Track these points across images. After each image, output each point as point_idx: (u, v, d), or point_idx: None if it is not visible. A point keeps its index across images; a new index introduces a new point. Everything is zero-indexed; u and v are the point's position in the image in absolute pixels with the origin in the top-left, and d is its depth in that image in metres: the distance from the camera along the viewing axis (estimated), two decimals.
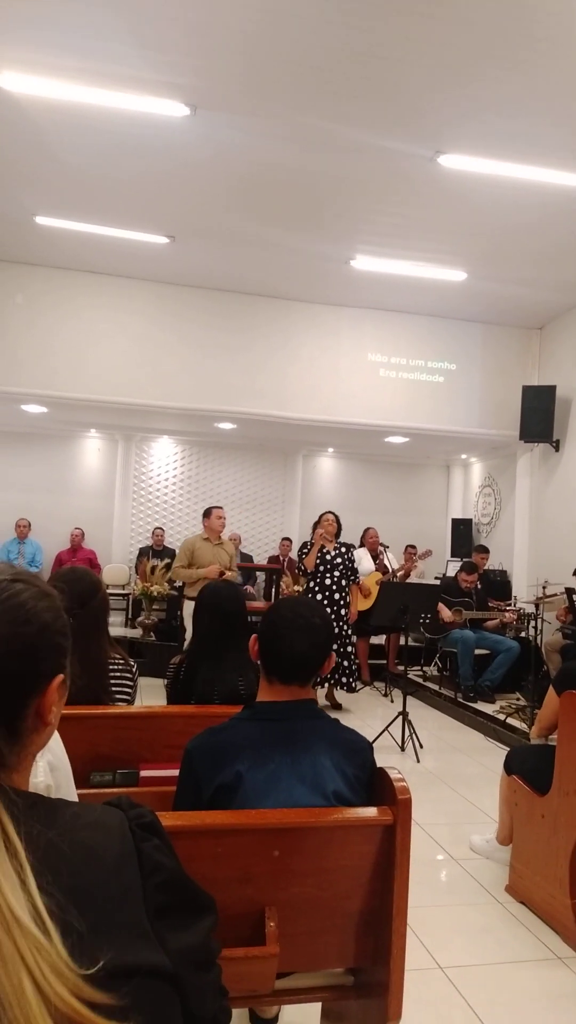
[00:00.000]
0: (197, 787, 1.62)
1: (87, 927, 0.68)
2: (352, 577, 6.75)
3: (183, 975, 0.77)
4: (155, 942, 0.74)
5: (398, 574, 7.76)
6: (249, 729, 1.67)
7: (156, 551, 9.52)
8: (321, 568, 6.48)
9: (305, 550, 6.59)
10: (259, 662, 1.76)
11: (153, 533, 10.01)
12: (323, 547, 6.54)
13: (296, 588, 8.48)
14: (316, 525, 6.73)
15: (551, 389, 8.01)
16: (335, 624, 6.39)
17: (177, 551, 6.62)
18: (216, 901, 0.90)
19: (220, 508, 6.57)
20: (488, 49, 4.11)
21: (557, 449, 8.13)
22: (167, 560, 8.80)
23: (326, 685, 6.51)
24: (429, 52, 4.16)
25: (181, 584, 6.81)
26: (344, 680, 6.41)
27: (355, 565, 6.83)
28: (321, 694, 6.74)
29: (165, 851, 0.82)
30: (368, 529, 8.22)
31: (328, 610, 6.37)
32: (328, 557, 6.49)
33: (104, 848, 0.76)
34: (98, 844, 0.76)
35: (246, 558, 10.18)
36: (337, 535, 6.69)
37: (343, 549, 6.62)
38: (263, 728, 1.66)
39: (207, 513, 6.51)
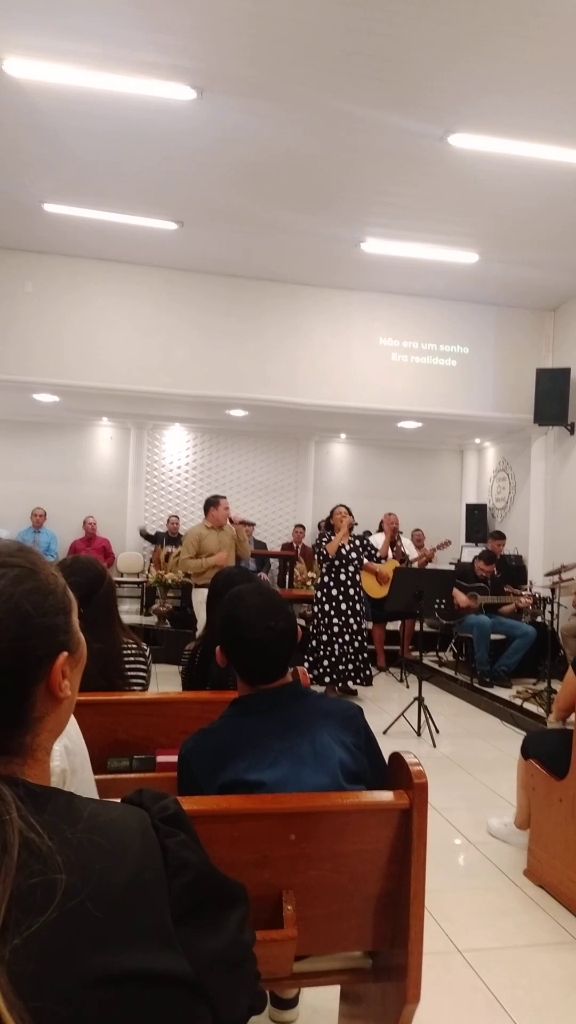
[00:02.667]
0: (197, 791, 1.60)
1: (102, 928, 0.65)
2: (371, 552, 6.72)
3: (212, 980, 0.74)
4: (177, 948, 0.70)
5: (414, 564, 7.74)
6: (243, 724, 1.66)
7: (171, 538, 9.54)
8: (336, 563, 6.47)
9: (325, 537, 6.58)
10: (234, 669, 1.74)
11: (168, 521, 10.04)
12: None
13: (311, 575, 8.48)
14: (329, 519, 6.73)
15: (565, 371, 7.92)
16: (349, 620, 6.39)
17: (183, 542, 6.64)
18: None
19: (224, 499, 6.55)
20: (498, 25, 4.04)
21: (572, 432, 8.06)
22: (181, 548, 8.83)
23: (339, 684, 6.48)
24: (438, 30, 4.08)
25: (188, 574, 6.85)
26: (361, 674, 6.43)
27: (372, 551, 6.81)
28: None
29: (191, 845, 0.78)
30: (389, 514, 8.18)
31: (343, 605, 6.39)
32: (343, 552, 6.49)
33: (123, 848, 0.72)
34: (116, 843, 0.72)
35: (260, 545, 10.18)
36: (350, 529, 6.67)
37: (356, 542, 6.62)
38: (256, 720, 1.65)
39: (214, 503, 6.46)
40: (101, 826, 0.72)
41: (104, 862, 0.69)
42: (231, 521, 6.50)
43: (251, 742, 1.61)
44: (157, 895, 0.71)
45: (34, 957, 0.62)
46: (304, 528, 10.36)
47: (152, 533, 10.02)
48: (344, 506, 6.71)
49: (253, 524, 7.69)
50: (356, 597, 6.52)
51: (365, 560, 6.75)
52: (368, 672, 6.51)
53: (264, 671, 1.69)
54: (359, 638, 6.46)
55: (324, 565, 6.57)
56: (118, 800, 0.83)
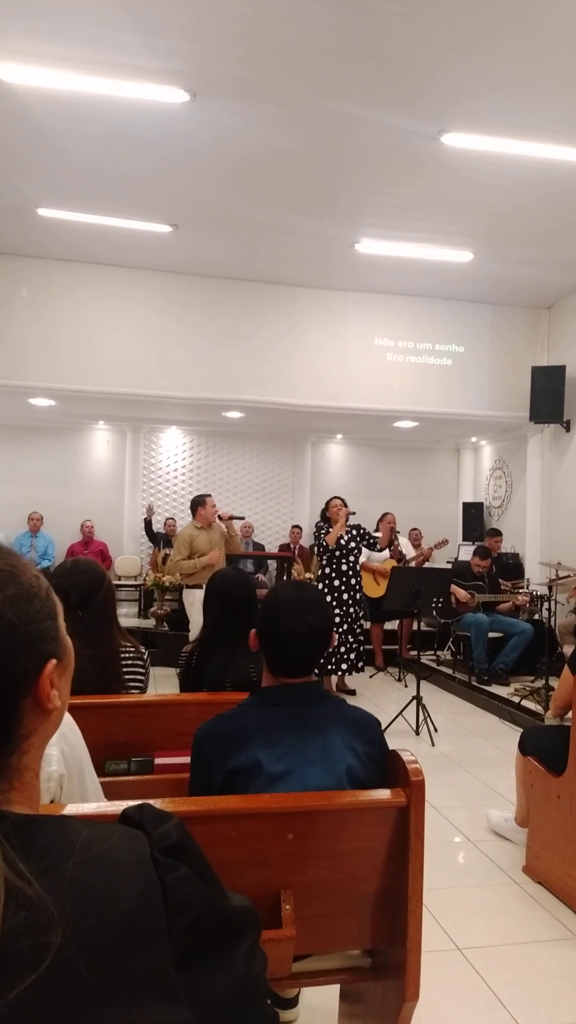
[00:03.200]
0: (209, 774, 1.64)
1: (96, 981, 0.60)
2: (371, 540, 6.73)
3: (220, 1022, 0.69)
4: (179, 996, 0.64)
5: (413, 563, 7.75)
6: (258, 714, 1.69)
7: (169, 540, 9.55)
8: (337, 554, 6.49)
9: (323, 530, 6.60)
10: (263, 655, 1.77)
11: (165, 523, 10.04)
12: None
13: (308, 575, 8.48)
14: (325, 511, 6.77)
15: (561, 369, 7.94)
16: (350, 610, 6.41)
17: (174, 545, 6.64)
18: (232, 885, 0.80)
19: (210, 497, 6.56)
20: (490, 24, 4.05)
21: (568, 430, 8.07)
22: None
23: (337, 674, 6.51)
24: (430, 29, 4.09)
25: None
26: (356, 665, 6.44)
27: (371, 539, 6.80)
28: (332, 682, 6.76)
29: (194, 881, 0.71)
30: (386, 514, 8.20)
31: (346, 595, 6.42)
32: (342, 542, 6.51)
33: (118, 887, 0.65)
34: (111, 882, 0.65)
35: (258, 547, 10.19)
36: (346, 518, 6.69)
37: (354, 532, 6.64)
38: (272, 712, 1.68)
39: (201, 503, 6.45)
40: (95, 860, 0.66)
41: (99, 906, 0.63)
42: (220, 518, 6.51)
43: (264, 733, 1.64)
44: (156, 940, 0.65)
45: (24, 1020, 0.57)
46: (301, 529, 10.37)
47: (155, 530, 10.00)
48: (339, 498, 6.74)
49: (242, 518, 7.70)
50: (357, 587, 6.57)
51: (364, 550, 6.77)
52: (361, 662, 6.53)
53: (290, 663, 1.72)
54: (357, 628, 6.48)
55: (324, 557, 6.60)
56: (117, 812, 0.77)
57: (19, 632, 0.72)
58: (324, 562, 6.61)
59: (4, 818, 0.66)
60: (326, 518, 6.77)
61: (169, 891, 0.68)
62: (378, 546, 6.96)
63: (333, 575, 6.50)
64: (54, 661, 0.75)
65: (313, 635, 1.70)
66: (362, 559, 7.19)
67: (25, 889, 0.60)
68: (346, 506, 6.65)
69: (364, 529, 6.76)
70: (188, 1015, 0.64)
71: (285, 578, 8.38)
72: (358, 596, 6.59)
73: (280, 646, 1.71)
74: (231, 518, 6.65)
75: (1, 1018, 0.56)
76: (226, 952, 0.73)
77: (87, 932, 0.61)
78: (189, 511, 9.10)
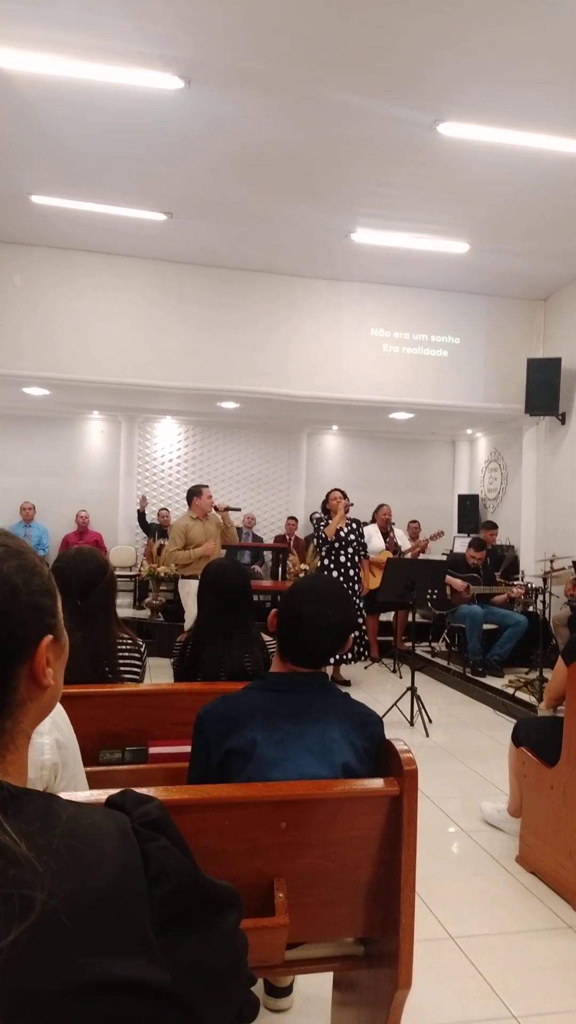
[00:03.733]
0: (207, 751, 1.66)
1: (78, 935, 0.63)
2: (362, 552, 6.80)
3: (196, 990, 0.71)
4: (157, 957, 0.68)
5: (408, 554, 7.76)
6: (261, 698, 1.70)
7: (163, 531, 9.53)
8: (336, 545, 6.51)
9: (323, 522, 6.63)
10: (276, 638, 1.79)
11: (159, 514, 10.02)
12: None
13: (304, 566, 8.48)
14: (325, 503, 6.79)
15: (556, 361, 7.93)
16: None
17: (169, 535, 6.63)
18: (225, 873, 0.84)
19: (207, 487, 6.56)
20: (487, 13, 4.01)
21: (563, 422, 8.07)
22: None
23: (332, 663, 6.54)
24: (427, 18, 4.06)
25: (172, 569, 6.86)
26: (355, 653, 6.46)
27: (364, 541, 6.87)
28: (327, 672, 6.78)
29: (173, 851, 0.74)
30: (382, 506, 8.21)
31: (345, 585, 6.43)
32: (342, 534, 6.54)
33: (100, 854, 0.69)
34: (95, 850, 0.69)
35: (255, 538, 10.19)
36: (346, 511, 6.73)
37: (354, 525, 6.66)
38: (274, 698, 1.70)
39: (197, 493, 6.45)
40: (79, 831, 0.69)
41: (82, 869, 0.66)
42: (215, 509, 6.50)
43: (264, 716, 1.65)
44: (136, 903, 0.68)
45: (9, 969, 0.60)
46: (296, 520, 10.36)
47: (148, 521, 9.98)
48: (339, 490, 6.77)
49: (238, 509, 7.67)
50: (356, 578, 6.59)
51: (362, 555, 6.81)
52: (361, 651, 6.54)
53: (300, 651, 1.73)
54: (358, 619, 6.50)
55: (323, 548, 6.61)
56: (103, 798, 0.81)
57: (22, 598, 0.75)
58: (323, 553, 6.62)
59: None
60: (326, 510, 6.78)
61: (149, 860, 0.71)
62: (366, 551, 7.00)
63: (331, 566, 6.52)
64: (51, 637, 0.78)
65: (329, 629, 1.71)
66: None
67: (13, 848, 0.64)
68: (346, 498, 6.67)
69: (361, 528, 6.78)
70: (163, 975, 0.67)
71: (280, 569, 8.39)
72: (356, 588, 6.61)
73: (294, 632, 1.72)
74: (227, 509, 6.64)
75: None
76: (205, 924, 0.76)
77: (71, 892, 0.64)
78: (184, 502, 9.09)
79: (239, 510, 7.30)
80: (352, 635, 1.86)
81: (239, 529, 8.69)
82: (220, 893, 0.80)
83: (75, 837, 0.68)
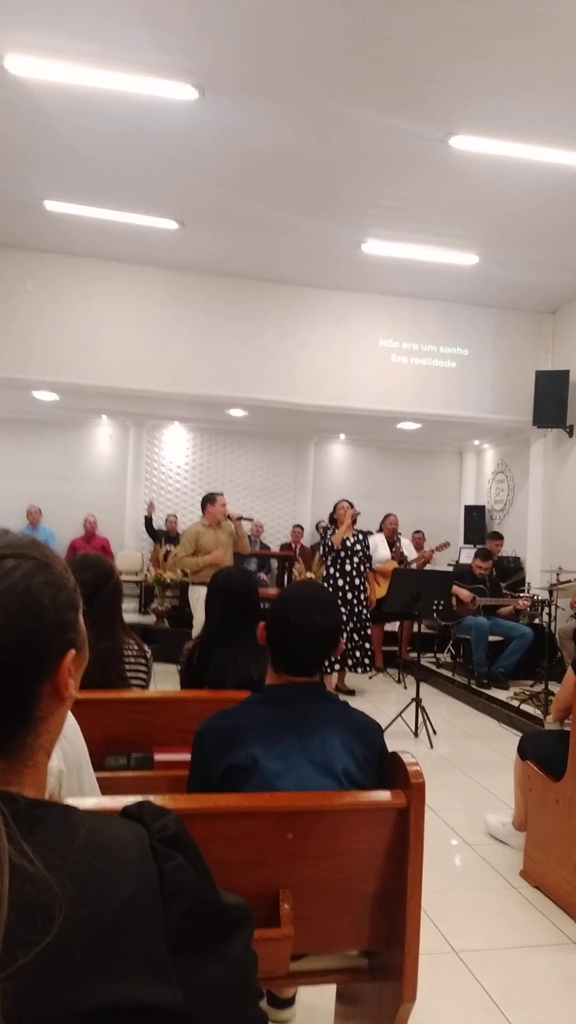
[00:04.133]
0: (207, 768, 1.65)
1: (91, 959, 0.62)
2: (367, 564, 6.80)
3: (208, 1012, 0.70)
4: (171, 979, 0.67)
5: (412, 565, 7.75)
6: (259, 711, 1.69)
7: (170, 537, 9.54)
8: (342, 554, 6.52)
9: (330, 531, 6.63)
10: (268, 648, 1.78)
11: (167, 520, 10.03)
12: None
13: (309, 574, 8.48)
14: (333, 514, 6.79)
15: (564, 374, 7.93)
16: (355, 609, 6.42)
17: (180, 540, 6.62)
18: (231, 884, 0.83)
19: (222, 495, 6.53)
20: (498, 28, 4.04)
21: (571, 434, 8.06)
22: None
23: (336, 671, 6.53)
24: (439, 32, 4.09)
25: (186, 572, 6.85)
26: (361, 663, 6.44)
27: (370, 552, 6.89)
28: (331, 681, 6.77)
29: (189, 871, 0.73)
30: (388, 515, 8.21)
31: (350, 595, 6.44)
32: (348, 543, 6.54)
33: (119, 871, 0.68)
34: (112, 866, 0.68)
35: (263, 547, 10.19)
36: (353, 521, 6.72)
37: (360, 536, 6.67)
38: (273, 711, 1.69)
39: (211, 500, 6.43)
40: (97, 846, 0.68)
41: (98, 888, 0.66)
42: (228, 517, 6.49)
43: (263, 730, 1.64)
44: (152, 923, 0.67)
45: (22, 992, 0.59)
46: (303, 528, 10.37)
47: (155, 527, 9.99)
48: (347, 501, 6.77)
49: (251, 519, 7.64)
50: (361, 588, 6.58)
51: (367, 566, 6.81)
52: (367, 662, 6.53)
53: (293, 660, 1.72)
54: (361, 627, 6.48)
55: (329, 557, 6.61)
56: (110, 805, 0.80)
57: (48, 616, 0.75)
58: (328, 562, 6.63)
59: (13, 800, 0.68)
60: (334, 520, 6.78)
61: (166, 879, 0.70)
62: (372, 563, 7.00)
63: (337, 575, 6.52)
64: (74, 651, 0.78)
65: (320, 634, 1.70)
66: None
67: (28, 868, 0.63)
68: (353, 508, 6.67)
69: (367, 540, 6.79)
70: (178, 997, 0.67)
71: (286, 577, 8.38)
72: (363, 596, 6.60)
73: (285, 642, 1.71)
74: (240, 518, 6.62)
75: (3, 989, 0.58)
76: (219, 944, 0.75)
77: (87, 912, 0.63)
78: (191, 508, 9.04)
79: (251, 520, 7.28)
80: (342, 636, 1.86)
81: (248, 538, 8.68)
82: (233, 914, 0.79)
83: (93, 853, 0.67)
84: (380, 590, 7.50)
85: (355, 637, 6.40)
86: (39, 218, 6.76)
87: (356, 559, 6.57)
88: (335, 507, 6.81)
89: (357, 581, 6.55)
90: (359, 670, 6.52)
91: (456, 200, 6.06)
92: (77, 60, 4.50)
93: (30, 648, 0.73)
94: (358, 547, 6.60)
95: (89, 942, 0.63)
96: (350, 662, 6.38)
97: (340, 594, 6.47)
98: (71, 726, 1.65)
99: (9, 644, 0.71)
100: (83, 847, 0.67)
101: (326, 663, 6.25)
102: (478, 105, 4.74)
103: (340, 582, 6.49)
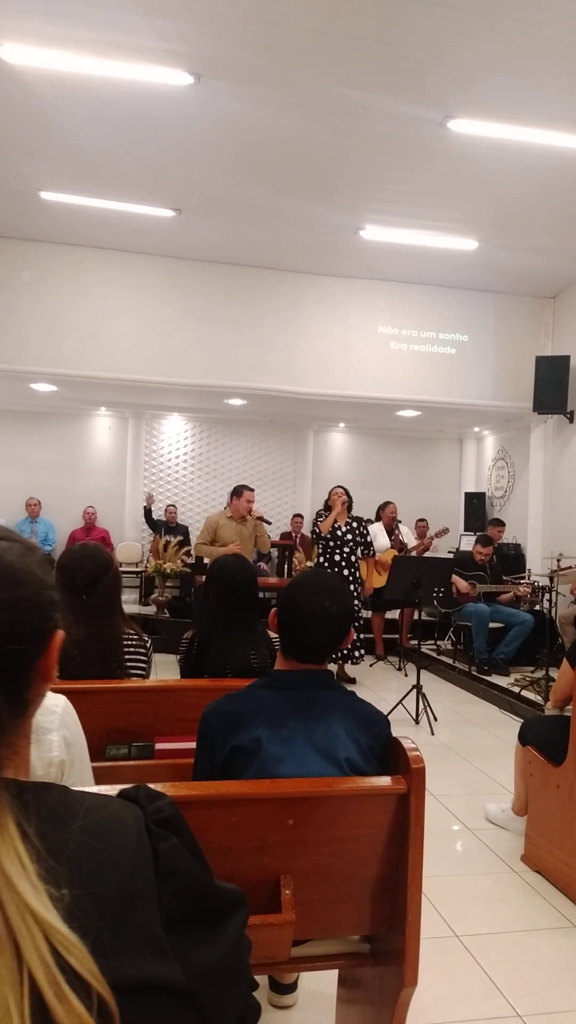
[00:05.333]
0: (212, 750, 1.66)
1: (94, 934, 0.63)
2: (367, 551, 6.77)
3: (203, 992, 0.71)
4: (170, 956, 0.68)
5: (412, 553, 7.74)
6: (266, 696, 1.70)
7: (170, 527, 9.54)
8: (331, 544, 6.50)
9: (321, 517, 6.62)
10: (278, 635, 1.78)
11: (166, 510, 10.03)
12: (335, 521, 6.56)
13: (309, 563, 8.48)
14: (326, 501, 6.79)
15: (565, 359, 7.90)
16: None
17: (201, 528, 6.57)
18: (232, 870, 0.84)
19: (252, 491, 6.38)
20: (498, 9, 4.00)
21: (571, 420, 8.04)
22: (180, 537, 8.84)
23: (336, 662, 6.55)
24: (437, 14, 4.04)
25: (194, 561, 6.83)
26: (351, 655, 6.45)
27: (369, 539, 6.86)
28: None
29: (183, 852, 0.74)
30: (388, 503, 8.20)
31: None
32: (339, 533, 6.51)
33: (118, 851, 0.69)
34: (111, 846, 0.69)
35: None
36: (349, 508, 6.69)
37: (354, 524, 6.63)
38: (280, 695, 1.70)
39: (238, 493, 6.33)
40: (97, 825, 0.69)
41: (98, 867, 0.66)
42: (250, 513, 6.33)
43: (268, 714, 1.65)
44: (148, 902, 0.69)
45: None
46: (302, 517, 10.36)
47: (155, 517, 9.98)
48: (341, 487, 6.74)
49: (270, 522, 7.55)
50: (350, 578, 6.52)
51: (361, 551, 6.77)
52: (357, 654, 6.53)
53: (302, 646, 1.73)
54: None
55: (319, 545, 6.59)
56: (111, 794, 0.80)
57: (45, 590, 0.75)
58: (320, 550, 6.62)
59: (10, 785, 0.68)
60: (328, 507, 6.77)
61: (160, 859, 0.71)
62: (373, 550, 6.98)
63: (325, 563, 6.50)
64: (62, 632, 0.78)
65: (329, 620, 1.70)
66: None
67: (31, 850, 0.64)
68: (347, 494, 6.64)
69: (365, 528, 6.76)
70: (179, 974, 0.68)
71: (286, 567, 8.38)
72: (356, 588, 6.57)
73: (294, 627, 1.72)
74: (259, 519, 6.45)
75: None
76: (212, 925, 0.77)
77: (87, 889, 0.64)
78: (190, 498, 9.02)
79: (270, 523, 7.19)
80: (353, 627, 1.86)
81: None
82: (226, 896, 0.80)
83: (92, 833, 0.68)
84: (379, 580, 7.51)
85: None
86: (35, 208, 6.72)
87: (347, 548, 6.53)
88: (329, 493, 6.79)
89: (346, 572, 6.50)
90: (350, 662, 6.53)
91: (455, 185, 6.01)
92: (72, 47, 4.45)
93: (33, 621, 0.73)
94: (349, 536, 6.56)
95: (89, 922, 0.63)
96: (340, 654, 6.38)
97: None
98: (72, 716, 1.64)
99: (14, 618, 0.71)
100: (83, 827, 0.68)
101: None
102: (477, 88, 4.69)
103: (329, 570, 6.46)
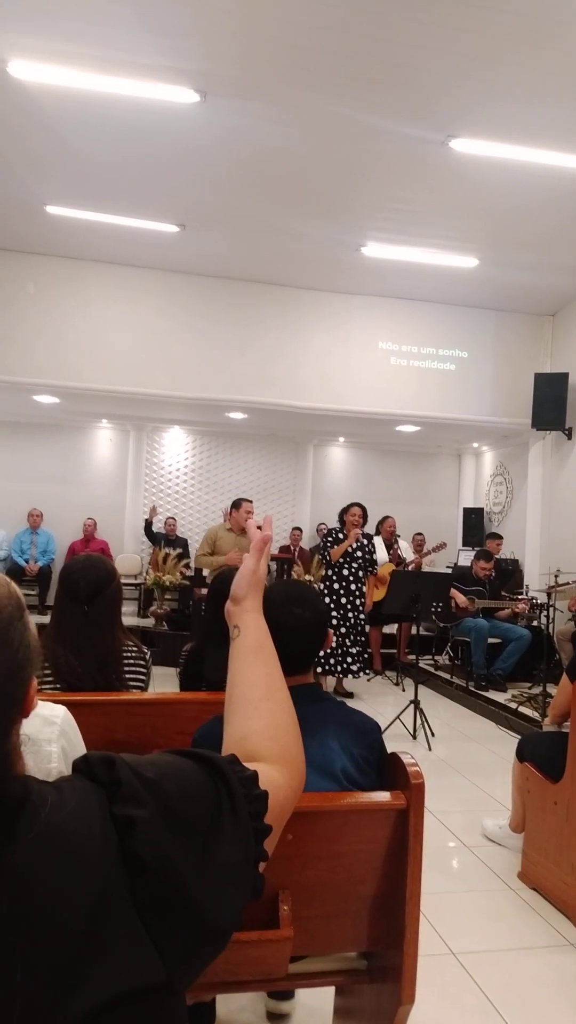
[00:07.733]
0: None
1: (69, 954, 0.61)
2: (371, 568, 6.76)
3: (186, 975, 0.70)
4: (151, 953, 0.66)
5: (410, 567, 7.75)
6: None
7: (169, 540, 9.54)
8: (341, 559, 6.49)
9: (331, 539, 6.56)
10: None
11: (166, 523, 10.03)
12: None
13: (308, 577, 8.48)
14: (342, 515, 6.69)
15: (564, 376, 7.94)
16: (351, 614, 6.41)
17: (201, 540, 6.59)
18: None
19: (250, 503, 6.41)
20: (500, 32, 4.06)
21: (570, 437, 8.07)
22: (179, 550, 8.83)
23: (336, 675, 6.53)
24: (440, 35, 4.11)
25: (194, 573, 6.83)
26: (354, 667, 6.44)
27: (375, 557, 6.85)
28: (328, 684, 6.78)
29: (150, 830, 0.70)
30: (387, 518, 8.21)
31: (344, 600, 6.41)
32: (349, 549, 6.51)
33: (83, 856, 0.67)
34: (76, 852, 0.66)
35: None
36: (362, 526, 6.67)
37: (364, 540, 6.63)
38: None
39: (236, 506, 6.37)
40: (56, 830, 0.67)
41: (64, 876, 0.65)
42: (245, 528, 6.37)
43: None
44: (120, 901, 0.67)
45: (15, 1008, 0.59)
46: (302, 531, 10.37)
47: (155, 530, 9.99)
48: (360, 505, 6.64)
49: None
50: (358, 592, 6.54)
51: (369, 568, 6.78)
52: (360, 666, 6.53)
53: (285, 659, 1.69)
54: (355, 633, 6.47)
55: (331, 570, 6.56)
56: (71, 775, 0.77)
57: (25, 642, 0.73)
58: (327, 565, 6.61)
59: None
60: (343, 522, 6.68)
61: (127, 854, 0.69)
62: (376, 567, 6.98)
63: (334, 577, 6.51)
64: (35, 678, 0.76)
65: (304, 628, 1.70)
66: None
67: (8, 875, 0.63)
68: (364, 516, 6.58)
69: (372, 545, 6.76)
70: (160, 973, 0.66)
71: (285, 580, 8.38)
72: (359, 602, 6.57)
73: (273, 643, 1.71)
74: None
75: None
76: (193, 911, 0.73)
77: (59, 902, 0.63)
78: (190, 511, 9.06)
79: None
80: (330, 629, 1.85)
81: None
82: (200, 821, 0.76)
83: (52, 839, 0.66)
84: (378, 594, 7.51)
85: (346, 643, 6.39)
86: (41, 222, 6.78)
87: (355, 564, 6.54)
88: (347, 510, 6.65)
89: (354, 587, 6.51)
90: (350, 675, 6.52)
91: (456, 203, 6.08)
92: (79, 65, 4.52)
93: (12, 687, 0.71)
94: (359, 553, 6.57)
95: (64, 935, 0.62)
96: (340, 668, 6.38)
97: (335, 598, 6.45)
98: (71, 726, 1.65)
99: None
100: (43, 833, 0.66)
101: (327, 666, 6.28)
102: (478, 107, 4.76)
103: (336, 585, 6.47)
